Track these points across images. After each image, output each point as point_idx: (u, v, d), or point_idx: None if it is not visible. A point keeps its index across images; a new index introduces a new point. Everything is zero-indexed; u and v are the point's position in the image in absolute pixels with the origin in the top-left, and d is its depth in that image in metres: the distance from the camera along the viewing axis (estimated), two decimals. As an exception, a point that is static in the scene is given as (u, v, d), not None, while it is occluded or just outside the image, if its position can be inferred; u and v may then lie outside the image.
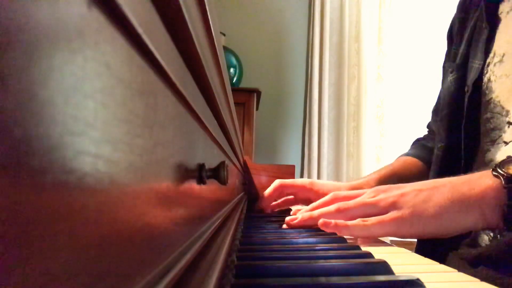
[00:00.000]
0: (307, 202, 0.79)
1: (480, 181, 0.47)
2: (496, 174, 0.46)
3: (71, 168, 0.09)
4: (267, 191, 0.81)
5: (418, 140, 0.92)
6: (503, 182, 0.44)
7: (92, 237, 0.10)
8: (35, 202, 0.08)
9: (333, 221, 0.52)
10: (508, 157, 0.48)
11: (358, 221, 0.50)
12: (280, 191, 0.83)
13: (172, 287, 0.17)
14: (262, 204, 0.82)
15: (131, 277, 0.13)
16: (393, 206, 0.49)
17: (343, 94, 2.52)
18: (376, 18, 2.59)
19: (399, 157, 0.89)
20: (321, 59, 2.51)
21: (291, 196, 0.84)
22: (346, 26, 2.54)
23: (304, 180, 0.80)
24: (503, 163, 0.46)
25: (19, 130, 0.07)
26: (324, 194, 0.70)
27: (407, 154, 0.88)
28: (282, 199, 0.86)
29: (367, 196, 0.54)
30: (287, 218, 0.60)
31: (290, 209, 0.83)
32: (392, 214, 0.49)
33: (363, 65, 2.55)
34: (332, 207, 0.54)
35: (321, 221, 0.52)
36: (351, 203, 0.53)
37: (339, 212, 0.53)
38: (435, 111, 0.86)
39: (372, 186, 0.73)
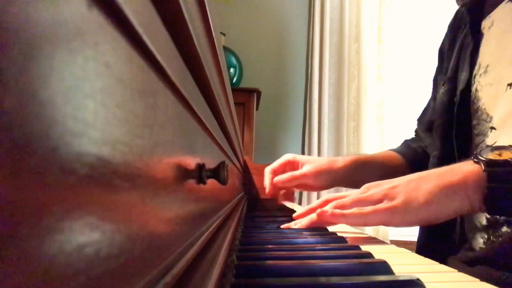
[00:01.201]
0: (301, 186, 0.88)
1: (463, 168, 0.51)
2: (477, 160, 0.50)
3: (71, 168, 0.09)
4: (266, 180, 0.87)
5: (405, 141, 1.00)
6: (483, 167, 0.48)
7: (92, 237, 0.10)
8: (35, 202, 0.08)
9: (329, 210, 0.54)
10: (487, 146, 0.52)
11: (354, 209, 0.53)
12: (274, 175, 0.89)
13: (172, 287, 0.17)
14: (268, 193, 0.87)
15: (131, 277, 0.13)
16: (386, 197, 0.52)
17: (343, 94, 2.52)
18: (376, 18, 2.59)
19: (385, 150, 0.99)
20: (321, 59, 2.51)
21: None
22: (346, 26, 2.54)
23: (289, 157, 0.87)
24: (482, 151, 0.50)
25: (19, 130, 0.07)
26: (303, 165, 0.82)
27: (392, 150, 0.96)
28: (282, 194, 0.92)
29: (359, 192, 0.56)
30: (292, 225, 0.62)
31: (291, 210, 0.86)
32: (386, 204, 0.52)
33: (363, 65, 2.55)
34: (328, 207, 0.57)
35: (318, 210, 0.55)
36: (346, 200, 0.56)
37: (336, 209, 0.55)
38: (420, 120, 0.94)
39: (348, 163, 0.83)
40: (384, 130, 2.54)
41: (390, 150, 0.97)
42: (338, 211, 0.54)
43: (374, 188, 0.55)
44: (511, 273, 0.51)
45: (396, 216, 0.51)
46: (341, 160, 0.84)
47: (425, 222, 0.52)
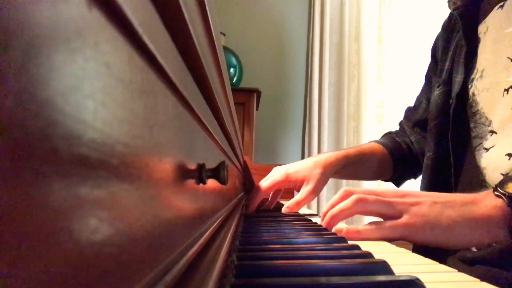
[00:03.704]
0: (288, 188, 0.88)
1: (486, 201, 0.50)
2: (498, 194, 0.50)
3: (71, 168, 0.09)
4: (254, 201, 0.85)
5: (389, 133, 1.02)
6: (506, 201, 0.48)
7: (92, 237, 0.10)
8: (35, 202, 0.08)
9: (344, 229, 0.54)
10: (505, 176, 0.53)
11: (370, 226, 0.53)
12: (266, 195, 0.88)
13: (172, 287, 0.17)
14: (251, 211, 0.85)
15: (131, 277, 0.13)
16: (408, 211, 0.52)
17: (343, 94, 2.52)
18: (376, 18, 2.59)
19: (370, 142, 1.00)
20: (321, 59, 2.51)
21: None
22: (346, 26, 2.54)
23: (281, 175, 0.84)
24: (501, 183, 0.50)
25: (19, 130, 0.07)
26: (301, 181, 0.82)
27: (376, 141, 0.98)
28: (270, 196, 0.92)
29: (384, 195, 0.56)
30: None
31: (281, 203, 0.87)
32: (406, 219, 0.52)
33: (363, 65, 2.55)
34: (351, 198, 0.56)
35: (334, 229, 0.56)
36: (370, 197, 0.55)
37: (358, 202, 0.55)
38: (409, 117, 0.96)
39: (340, 163, 0.85)
40: (384, 130, 2.53)
41: (374, 141, 0.98)
42: (352, 228, 0.54)
43: (400, 198, 0.54)
44: (511, 272, 0.52)
45: (413, 233, 0.51)
46: (328, 162, 0.84)
47: (441, 245, 0.52)
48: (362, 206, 0.55)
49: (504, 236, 0.49)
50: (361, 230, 0.53)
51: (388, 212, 0.53)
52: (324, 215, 0.62)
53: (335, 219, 0.58)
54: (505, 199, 0.49)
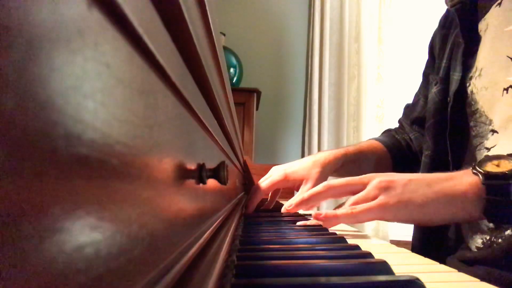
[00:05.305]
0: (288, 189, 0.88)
1: (462, 179, 0.51)
2: (475, 172, 0.51)
3: (71, 168, 0.09)
4: (253, 201, 0.83)
5: (389, 130, 1.02)
6: (481, 179, 0.49)
7: (92, 237, 0.10)
8: (35, 202, 0.08)
9: (323, 213, 0.56)
10: (486, 156, 0.53)
11: (346, 209, 0.54)
12: (265, 195, 0.87)
13: (172, 287, 0.17)
14: (250, 211, 0.84)
15: (131, 277, 0.13)
16: (382, 191, 0.53)
17: (343, 94, 2.52)
18: (376, 18, 2.59)
19: (369, 139, 1.00)
20: (321, 59, 2.51)
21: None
22: (346, 26, 2.54)
23: (279, 174, 0.83)
24: (480, 162, 0.51)
25: (19, 130, 0.07)
26: (300, 180, 0.81)
27: (375, 139, 0.97)
28: (269, 196, 0.92)
29: (357, 182, 0.58)
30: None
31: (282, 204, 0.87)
32: (380, 200, 0.53)
33: (363, 65, 2.55)
34: (321, 184, 0.61)
35: (313, 214, 0.58)
36: (338, 181, 0.58)
37: (327, 188, 0.60)
38: (407, 115, 0.96)
39: (339, 161, 0.84)
40: (384, 130, 2.54)
41: (373, 139, 0.98)
42: (331, 212, 0.55)
43: (374, 181, 0.55)
44: (511, 272, 0.52)
45: (388, 213, 0.52)
46: (327, 160, 0.83)
47: (417, 222, 0.54)
48: (333, 189, 0.58)
49: (477, 213, 0.49)
50: (339, 215, 0.54)
51: (362, 194, 0.55)
52: (303, 202, 0.64)
53: (306, 202, 0.61)
54: (480, 177, 0.49)
